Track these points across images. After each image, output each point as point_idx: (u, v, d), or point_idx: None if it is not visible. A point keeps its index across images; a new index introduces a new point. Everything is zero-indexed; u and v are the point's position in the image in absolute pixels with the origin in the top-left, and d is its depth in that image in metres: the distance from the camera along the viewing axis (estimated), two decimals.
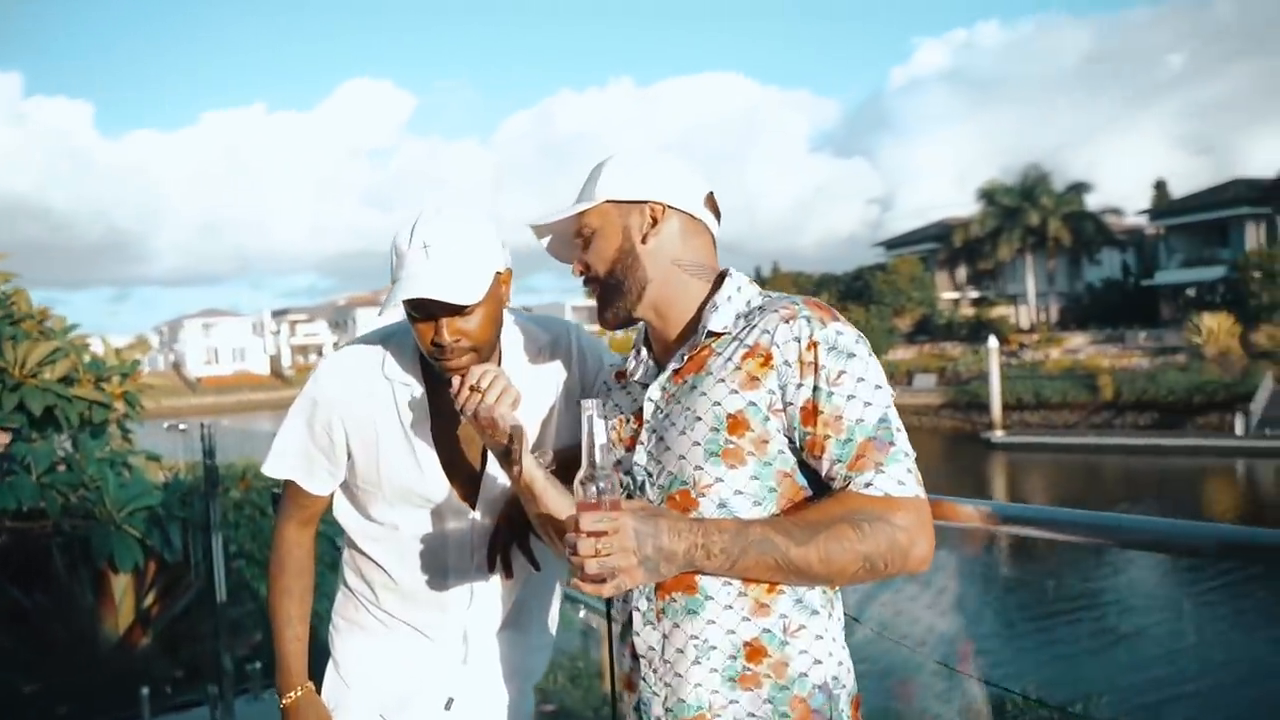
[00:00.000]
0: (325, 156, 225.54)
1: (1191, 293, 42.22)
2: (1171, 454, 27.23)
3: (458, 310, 1.64)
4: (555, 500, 1.57)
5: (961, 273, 51.88)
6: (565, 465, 1.64)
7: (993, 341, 33.96)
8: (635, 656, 1.51)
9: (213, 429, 4.94)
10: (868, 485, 1.37)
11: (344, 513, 1.95)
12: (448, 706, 1.92)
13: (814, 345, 1.40)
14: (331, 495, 1.93)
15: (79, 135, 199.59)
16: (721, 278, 1.56)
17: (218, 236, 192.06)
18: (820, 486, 1.44)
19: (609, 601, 1.89)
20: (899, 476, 1.37)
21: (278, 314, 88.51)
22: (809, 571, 1.36)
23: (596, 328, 1.85)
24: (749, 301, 1.52)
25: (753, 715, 1.42)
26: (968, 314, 47.33)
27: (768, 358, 1.42)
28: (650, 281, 1.53)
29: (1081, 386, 33.71)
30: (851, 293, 47.78)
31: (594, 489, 1.32)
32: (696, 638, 1.44)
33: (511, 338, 1.86)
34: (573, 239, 1.60)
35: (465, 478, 1.84)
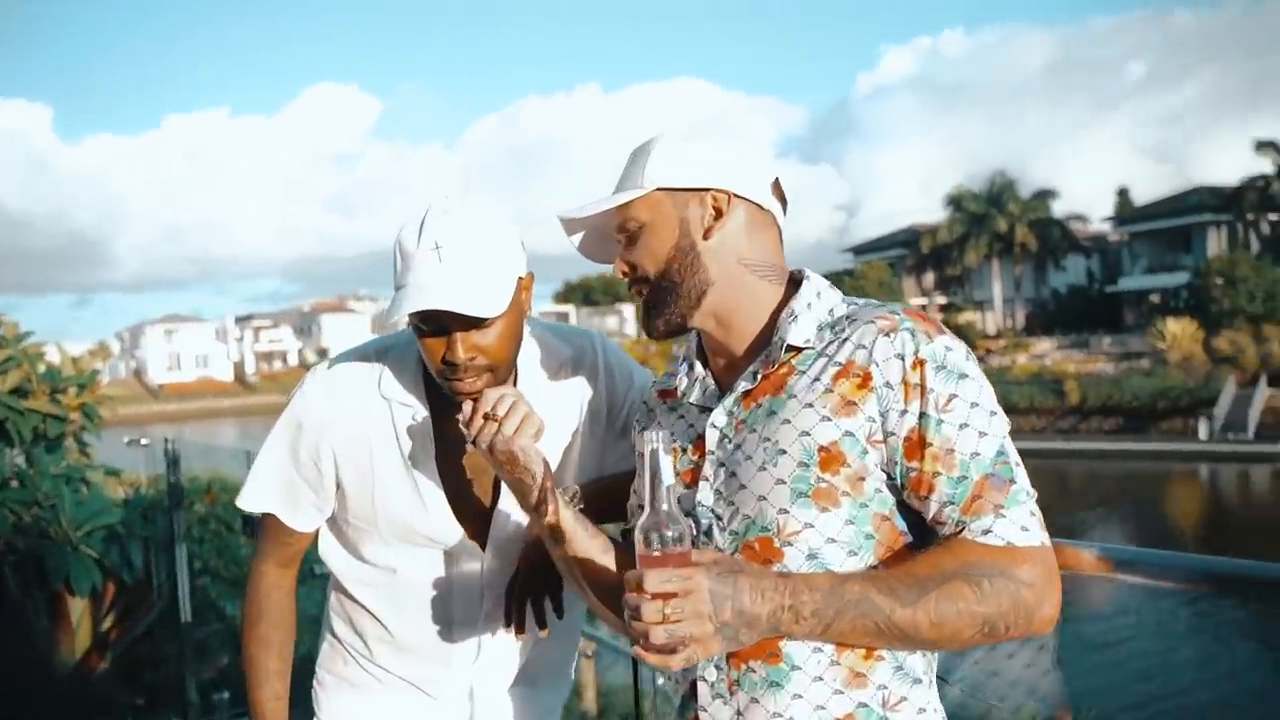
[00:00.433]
0: (290, 161, 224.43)
1: (1155, 299, 43.01)
2: (1136, 458, 27.54)
3: (475, 324, 1.39)
4: (586, 543, 1.33)
5: (929, 278, 52.34)
6: (588, 500, 1.43)
7: None
8: None
9: (176, 444, 4.70)
10: (986, 533, 1.14)
11: (332, 552, 1.68)
12: None
13: (920, 364, 1.16)
14: (317, 532, 1.67)
15: (37, 138, 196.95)
16: (795, 280, 1.32)
17: (181, 241, 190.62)
18: (921, 531, 1.21)
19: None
20: (1022, 521, 1.14)
21: (241, 320, 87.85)
22: (916, 637, 1.13)
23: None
24: (831, 310, 1.27)
25: None
26: None
27: (866, 378, 1.18)
28: (713, 284, 1.28)
29: (1048, 392, 33.93)
30: None
31: (658, 539, 1.08)
32: (779, 715, 1.19)
33: (529, 353, 1.60)
34: (614, 234, 1.33)
35: (474, 514, 1.59)
